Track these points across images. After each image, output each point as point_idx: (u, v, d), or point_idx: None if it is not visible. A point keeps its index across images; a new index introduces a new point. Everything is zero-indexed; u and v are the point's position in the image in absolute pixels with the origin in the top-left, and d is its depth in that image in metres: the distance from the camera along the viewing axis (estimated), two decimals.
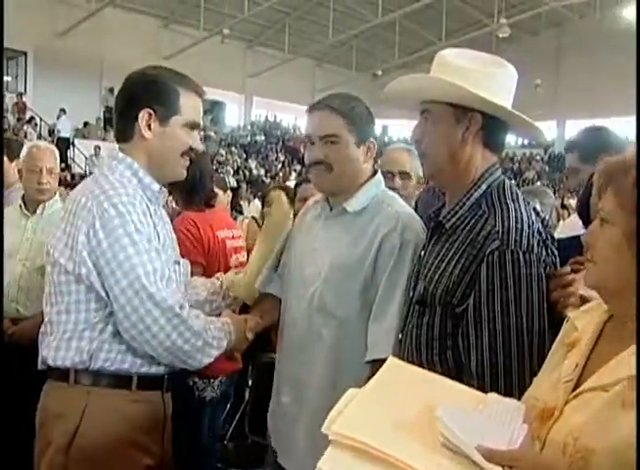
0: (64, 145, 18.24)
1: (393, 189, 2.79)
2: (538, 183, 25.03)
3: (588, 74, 27.21)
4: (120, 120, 2.04)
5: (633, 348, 1.23)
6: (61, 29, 22.55)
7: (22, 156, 3.61)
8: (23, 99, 21.65)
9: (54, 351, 1.93)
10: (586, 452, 1.18)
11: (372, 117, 2.19)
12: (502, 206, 1.73)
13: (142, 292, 1.85)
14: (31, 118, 20.75)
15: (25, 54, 23.15)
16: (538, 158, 30.96)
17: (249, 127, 28.89)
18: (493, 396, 1.32)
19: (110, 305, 1.90)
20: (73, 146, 20.49)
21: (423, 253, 1.91)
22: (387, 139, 34.63)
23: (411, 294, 1.88)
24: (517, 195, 1.79)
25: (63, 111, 20.66)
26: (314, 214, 2.29)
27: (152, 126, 1.98)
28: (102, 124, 22.29)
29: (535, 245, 1.65)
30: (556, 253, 1.75)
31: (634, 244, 1.23)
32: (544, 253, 1.68)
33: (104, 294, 1.89)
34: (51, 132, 20.23)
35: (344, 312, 2.05)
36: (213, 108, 25.95)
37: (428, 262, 1.82)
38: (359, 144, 2.11)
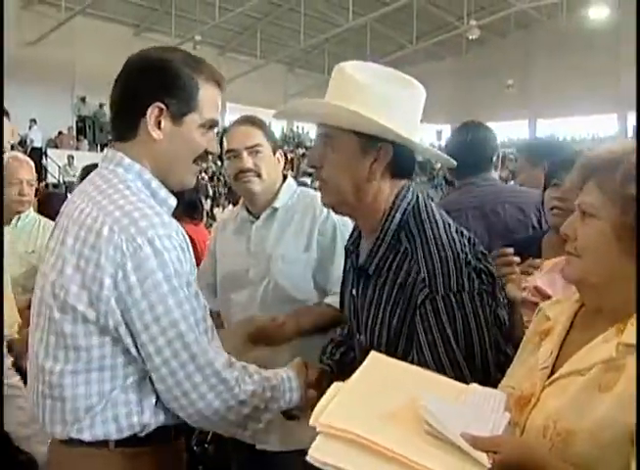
0: (37, 155, 18.09)
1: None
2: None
3: (557, 74, 27.53)
4: (121, 115, 1.64)
5: (606, 334, 1.30)
6: (31, 39, 22.34)
7: None
8: None
9: (87, 423, 1.54)
10: (566, 434, 1.23)
11: (274, 133, 2.55)
12: (423, 241, 1.60)
13: (183, 353, 1.49)
14: None
15: None
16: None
17: (223, 134, 28.86)
18: (475, 386, 1.35)
19: (141, 361, 1.54)
20: (46, 156, 20.32)
21: (355, 292, 1.77)
22: None
23: (358, 337, 1.80)
24: (434, 219, 1.65)
25: (33, 121, 20.49)
26: (235, 227, 2.57)
27: (162, 124, 1.58)
28: (74, 133, 22.13)
29: (465, 281, 1.56)
30: (491, 270, 1.66)
31: (624, 238, 1.27)
32: (476, 284, 1.58)
33: (134, 350, 1.52)
34: (23, 143, 20.05)
35: (304, 296, 2.36)
36: None
37: (364, 308, 1.71)
38: (274, 152, 2.46)
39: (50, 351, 1.55)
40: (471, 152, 2.93)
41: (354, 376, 1.31)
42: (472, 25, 24.51)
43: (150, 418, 1.58)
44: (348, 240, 1.88)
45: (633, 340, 1.24)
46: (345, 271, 1.91)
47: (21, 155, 3.91)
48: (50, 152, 20.60)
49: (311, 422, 1.16)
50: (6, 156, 3.76)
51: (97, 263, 1.47)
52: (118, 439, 1.55)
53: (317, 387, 1.74)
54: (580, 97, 26.92)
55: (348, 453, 1.11)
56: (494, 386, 1.43)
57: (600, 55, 26.17)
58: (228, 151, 2.44)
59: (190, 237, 3.04)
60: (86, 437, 1.54)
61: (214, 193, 17.86)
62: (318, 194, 2.24)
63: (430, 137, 35.20)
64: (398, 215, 1.66)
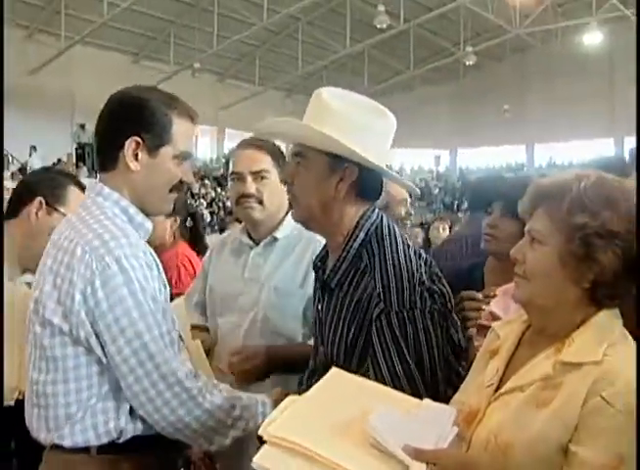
0: None
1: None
2: None
3: (553, 99, 27.76)
4: (103, 147, 1.78)
5: (547, 352, 1.37)
6: (31, 67, 22.56)
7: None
8: None
9: (67, 431, 1.65)
10: (506, 448, 1.30)
11: (284, 156, 2.38)
12: (381, 259, 1.68)
13: (148, 363, 1.60)
14: (4, 157, 20.66)
15: None
16: None
17: (222, 160, 28.97)
18: (428, 402, 1.40)
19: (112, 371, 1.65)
20: None
21: (320, 307, 1.85)
22: None
23: (320, 349, 1.86)
24: (395, 240, 1.73)
25: (34, 148, 20.60)
26: (233, 248, 2.48)
27: (139, 156, 1.71)
28: (74, 161, 22.24)
29: (418, 299, 1.64)
30: (444, 291, 1.73)
31: (568, 265, 1.35)
32: (429, 303, 1.65)
33: (105, 360, 1.63)
34: (22, 170, 20.13)
35: (291, 331, 2.25)
36: None
37: (326, 322, 1.79)
38: (281, 180, 2.26)
39: (36, 363, 1.68)
40: None
41: (311, 390, 1.38)
42: (468, 51, 24.80)
43: (125, 424, 1.67)
44: (317, 256, 1.94)
45: (572, 359, 1.32)
46: (315, 289, 1.97)
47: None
48: None
49: (260, 432, 1.22)
50: (7, 184, 3.80)
51: (70, 280, 1.60)
52: (98, 445, 1.65)
53: None
54: (576, 121, 27.14)
55: (291, 461, 1.17)
56: (445, 401, 1.49)
57: (594, 80, 26.45)
58: (232, 173, 2.36)
59: (187, 257, 3.07)
60: (67, 443, 1.65)
61: (212, 219, 17.91)
62: None
63: (428, 163, 35.42)
64: (362, 234, 1.74)
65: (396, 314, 1.62)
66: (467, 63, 25.48)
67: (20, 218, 2.43)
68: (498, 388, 1.43)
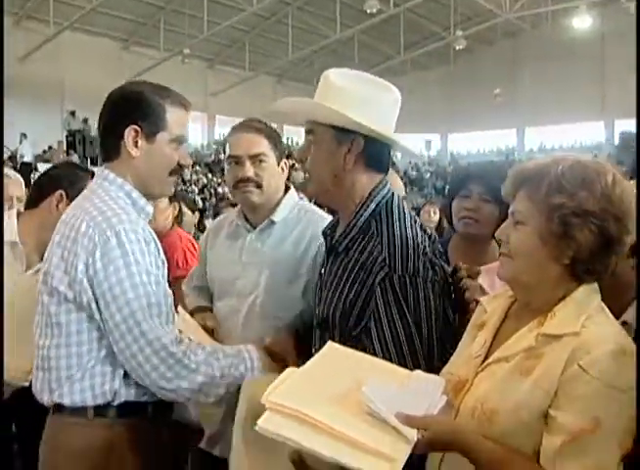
0: (27, 170, 18.11)
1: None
2: None
3: (544, 82, 27.79)
4: (105, 139, 1.96)
5: (530, 325, 1.47)
6: (20, 54, 22.42)
7: None
8: None
9: (66, 390, 1.80)
10: (491, 414, 1.40)
11: (281, 139, 2.46)
12: (389, 228, 1.80)
13: (135, 329, 1.75)
14: None
15: None
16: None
17: (213, 146, 28.91)
18: (418, 372, 1.50)
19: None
20: (36, 170, 20.36)
21: (323, 271, 1.97)
22: None
23: (316, 311, 1.96)
24: (403, 213, 1.85)
25: (24, 135, 20.52)
26: (229, 232, 2.49)
27: (138, 143, 1.89)
28: (64, 148, 22.17)
29: (421, 267, 1.74)
30: (445, 268, 1.84)
31: (549, 243, 1.44)
32: (430, 273, 1.75)
33: (102, 326, 1.79)
34: (12, 158, 20.07)
35: (289, 316, 2.26)
36: None
37: (327, 283, 1.89)
38: (279, 162, 2.36)
39: (42, 329, 1.86)
40: None
41: (309, 362, 1.47)
42: (458, 36, 24.78)
43: (119, 387, 1.83)
44: (327, 225, 2.04)
45: (552, 331, 1.41)
46: (318, 260, 2.09)
47: (10, 171, 4.01)
48: (40, 166, 20.64)
49: (262, 400, 1.31)
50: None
51: (75, 252, 1.78)
52: (94, 405, 1.81)
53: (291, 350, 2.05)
54: (567, 105, 27.19)
55: (292, 426, 1.27)
56: (436, 372, 1.59)
57: (585, 63, 26.50)
58: (230, 156, 2.35)
59: (189, 239, 3.11)
60: (66, 402, 1.81)
61: (204, 206, 17.91)
62: (317, 210, 2.36)
63: (419, 147, 35.44)
64: (372, 205, 1.85)
65: (399, 279, 1.72)
66: (457, 47, 25.46)
67: (40, 208, 2.57)
68: (485, 359, 1.52)
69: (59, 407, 1.83)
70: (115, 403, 1.82)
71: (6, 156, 20.51)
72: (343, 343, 1.71)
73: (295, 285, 2.27)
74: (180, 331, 1.95)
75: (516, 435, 1.38)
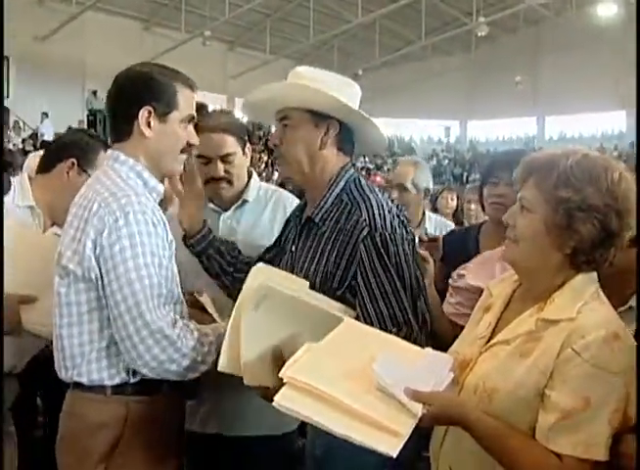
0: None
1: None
2: None
3: (566, 71, 27.50)
4: (118, 120, 1.98)
5: (531, 310, 1.55)
6: (42, 34, 22.54)
7: (25, 166, 3.80)
8: (5, 103, 21.63)
9: (84, 370, 1.86)
10: (491, 391, 1.50)
11: (243, 124, 2.59)
12: (363, 197, 1.94)
13: (134, 309, 1.77)
14: (15, 123, 20.74)
15: (8, 59, 23.13)
16: None
17: None
18: (429, 350, 1.59)
19: None
20: None
21: (294, 248, 2.08)
22: None
23: None
24: (373, 187, 2.02)
25: (45, 114, 20.67)
26: None
27: (151, 124, 1.92)
28: (85, 127, 22.29)
29: (397, 226, 1.91)
30: (412, 231, 2.02)
31: (552, 233, 1.51)
32: (404, 232, 1.93)
33: (105, 302, 1.84)
34: (34, 136, 20.23)
35: None
36: (196, 109, 25.91)
37: (302, 256, 2.01)
38: (243, 151, 2.47)
39: (56, 309, 1.90)
40: None
41: (326, 338, 1.56)
42: (480, 22, 24.54)
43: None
44: (295, 209, 2.21)
45: (550, 316, 1.50)
46: (281, 240, 2.23)
47: (37, 153, 4.04)
48: None
49: (280, 374, 1.43)
50: (31, 155, 3.93)
51: (85, 231, 1.82)
52: (112, 384, 1.86)
53: None
54: (589, 94, 26.90)
55: (307, 401, 1.36)
56: (424, 320, 1.82)
57: (608, 52, 26.12)
58: (199, 156, 2.39)
59: None
60: (84, 381, 1.87)
61: None
62: (281, 189, 2.51)
63: (438, 133, 35.26)
64: (342, 183, 2.00)
65: (380, 235, 1.86)
66: (479, 33, 25.24)
67: (51, 174, 2.62)
68: (489, 340, 1.61)
69: (77, 384, 1.89)
70: (132, 381, 1.88)
71: (26, 134, 20.69)
72: None
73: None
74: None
75: (513, 412, 1.47)
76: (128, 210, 1.81)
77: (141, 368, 1.82)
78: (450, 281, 2.37)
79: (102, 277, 1.81)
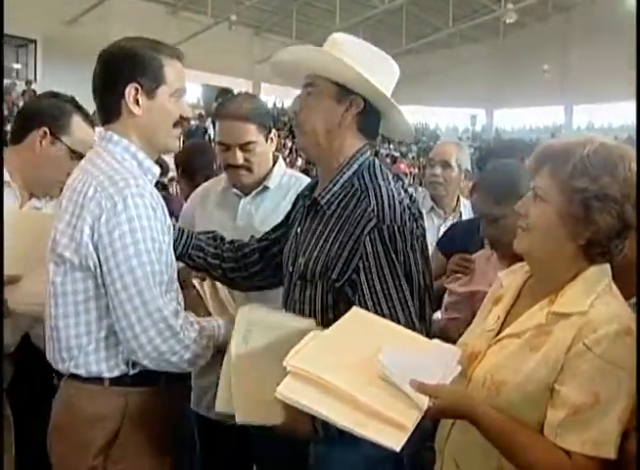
0: None
1: (434, 176, 3.39)
2: None
3: (596, 59, 27.12)
4: (104, 100, 1.89)
5: (541, 303, 1.52)
6: (69, 17, 22.67)
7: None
8: (33, 86, 21.82)
9: (81, 361, 1.81)
10: (499, 385, 1.47)
11: (268, 110, 2.53)
12: (374, 185, 1.84)
13: (136, 298, 1.72)
14: None
15: (35, 42, 23.29)
16: None
17: None
18: (436, 341, 1.56)
19: None
20: None
21: (299, 229, 1.99)
22: None
23: (290, 269, 1.98)
24: (387, 174, 1.90)
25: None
26: (218, 200, 2.56)
27: (139, 101, 1.84)
28: None
29: (407, 220, 1.78)
30: (424, 225, 1.90)
31: (567, 223, 1.48)
32: (414, 225, 1.80)
33: (103, 291, 1.78)
34: None
35: None
36: (221, 94, 26.02)
37: (306, 239, 1.92)
38: (266, 139, 2.42)
39: (50, 299, 1.83)
40: None
41: (332, 327, 1.54)
42: (509, 9, 24.24)
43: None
44: (305, 187, 2.11)
45: (561, 309, 1.46)
46: (289, 219, 2.15)
47: None
48: None
49: (284, 363, 1.39)
50: None
51: (81, 217, 1.75)
52: (110, 377, 1.81)
53: None
54: (618, 83, 26.43)
55: (312, 392, 1.33)
56: (428, 320, 1.75)
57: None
58: (219, 142, 2.41)
59: None
60: (82, 372, 1.81)
61: None
62: (304, 177, 2.44)
63: (464, 122, 35.02)
64: (355, 166, 1.89)
65: (388, 228, 1.75)
66: (507, 21, 24.93)
67: (23, 145, 2.47)
68: (498, 333, 1.58)
69: (75, 376, 1.84)
70: (131, 373, 1.83)
71: None
72: (325, 295, 1.81)
73: None
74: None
75: (521, 406, 1.44)
76: (126, 193, 1.74)
77: (141, 359, 1.77)
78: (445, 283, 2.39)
79: (100, 265, 1.74)
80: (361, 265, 1.76)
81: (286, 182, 2.49)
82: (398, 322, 1.68)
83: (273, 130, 2.45)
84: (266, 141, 2.42)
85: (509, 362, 1.49)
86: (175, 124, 1.91)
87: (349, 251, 1.78)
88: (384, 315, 1.69)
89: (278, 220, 2.28)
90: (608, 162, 1.45)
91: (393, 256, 1.75)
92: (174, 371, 1.84)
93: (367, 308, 1.70)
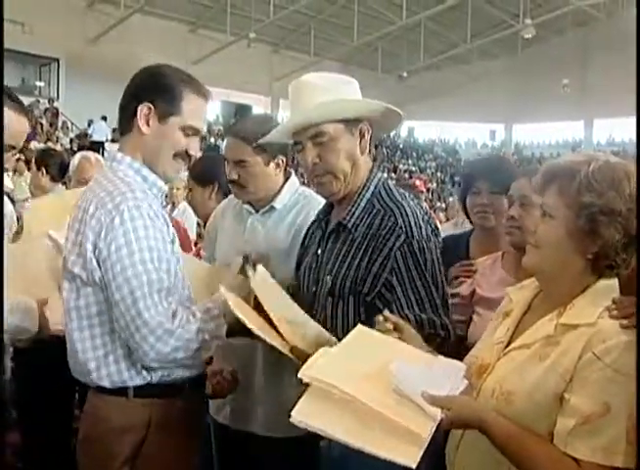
0: (97, 148, 18.59)
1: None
2: None
3: (615, 74, 26.91)
4: (121, 113, 1.96)
5: (550, 315, 1.56)
6: (91, 36, 23.03)
7: (72, 167, 3.96)
8: (55, 104, 22.13)
9: (104, 373, 1.86)
10: (508, 395, 1.50)
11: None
12: (397, 204, 1.95)
13: (132, 308, 1.76)
14: (64, 123, 21.15)
15: (58, 60, 23.66)
16: None
17: None
18: (441, 357, 1.59)
19: None
20: (104, 150, 20.86)
21: (320, 251, 2.08)
22: (412, 140, 34.76)
23: (314, 288, 2.06)
24: (403, 194, 2.01)
25: (104, 118, 20.64)
26: (235, 213, 2.64)
27: (150, 122, 1.89)
28: None
29: (430, 234, 1.93)
30: (440, 239, 2.02)
31: (575, 238, 1.53)
32: (436, 239, 1.95)
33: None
34: (80, 137, 20.57)
35: None
36: (239, 111, 26.22)
37: (330, 259, 2.00)
38: (268, 163, 2.43)
39: (66, 315, 1.91)
40: None
41: (341, 343, 1.59)
42: (527, 24, 24.29)
43: (162, 372, 1.88)
44: (319, 212, 2.20)
45: (570, 321, 1.50)
46: (306, 242, 2.25)
47: (91, 154, 4.16)
48: (107, 146, 21.15)
49: (300, 374, 1.43)
50: (77, 156, 4.01)
51: (85, 234, 1.82)
52: (135, 385, 1.86)
53: None
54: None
55: (326, 411, 1.37)
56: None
57: None
58: (223, 156, 2.56)
59: None
60: (106, 384, 1.87)
61: None
62: (314, 195, 2.45)
63: (483, 136, 34.97)
64: (372, 187, 2.01)
65: (418, 243, 1.88)
66: (526, 36, 24.96)
67: None
68: (508, 345, 1.62)
69: (100, 388, 1.88)
70: (154, 382, 1.87)
71: (73, 134, 21.08)
72: (357, 309, 1.90)
73: (286, 266, 2.34)
74: None
75: (530, 415, 1.46)
76: (123, 207, 1.78)
77: (152, 364, 1.82)
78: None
79: (103, 278, 1.80)
80: (395, 278, 1.86)
81: (293, 201, 2.51)
82: (434, 323, 1.85)
83: (280, 157, 2.45)
84: (267, 164, 2.42)
85: (518, 372, 1.52)
86: (177, 155, 1.95)
87: (379, 266, 1.88)
88: (421, 322, 1.82)
89: (280, 237, 2.39)
90: (612, 178, 1.50)
91: (423, 267, 1.87)
92: (189, 363, 1.89)
93: (406, 315, 1.80)
